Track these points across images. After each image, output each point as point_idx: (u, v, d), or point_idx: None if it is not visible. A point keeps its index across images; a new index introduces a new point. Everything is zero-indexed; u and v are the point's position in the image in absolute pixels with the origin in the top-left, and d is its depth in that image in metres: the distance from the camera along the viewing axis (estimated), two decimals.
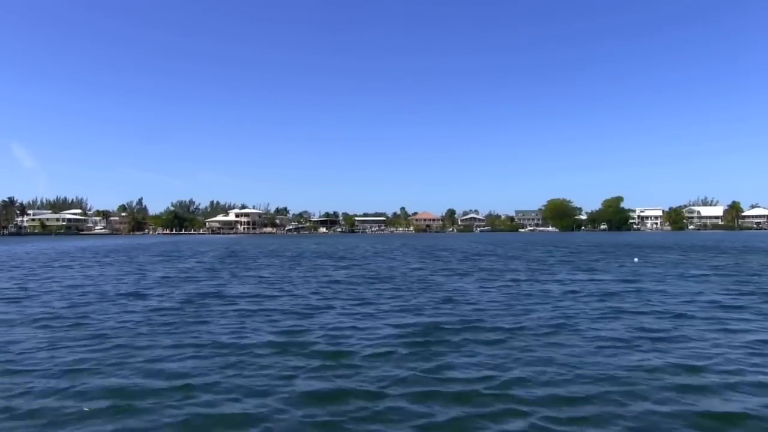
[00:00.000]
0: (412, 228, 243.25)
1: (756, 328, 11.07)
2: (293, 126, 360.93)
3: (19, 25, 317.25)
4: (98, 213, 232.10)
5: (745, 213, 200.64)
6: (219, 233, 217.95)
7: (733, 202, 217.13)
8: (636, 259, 32.29)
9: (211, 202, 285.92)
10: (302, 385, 7.47)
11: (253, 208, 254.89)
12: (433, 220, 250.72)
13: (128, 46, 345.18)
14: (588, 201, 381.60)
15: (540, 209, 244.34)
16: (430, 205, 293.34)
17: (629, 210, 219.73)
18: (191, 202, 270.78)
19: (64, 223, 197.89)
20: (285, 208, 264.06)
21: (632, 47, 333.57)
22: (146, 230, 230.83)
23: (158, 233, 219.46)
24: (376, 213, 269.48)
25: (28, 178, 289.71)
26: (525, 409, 6.45)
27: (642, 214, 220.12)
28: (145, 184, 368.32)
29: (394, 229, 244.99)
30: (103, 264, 32.91)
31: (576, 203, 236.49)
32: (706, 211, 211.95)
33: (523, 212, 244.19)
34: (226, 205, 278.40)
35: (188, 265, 31.13)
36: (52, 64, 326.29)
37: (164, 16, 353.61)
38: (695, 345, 9.63)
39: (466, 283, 20.69)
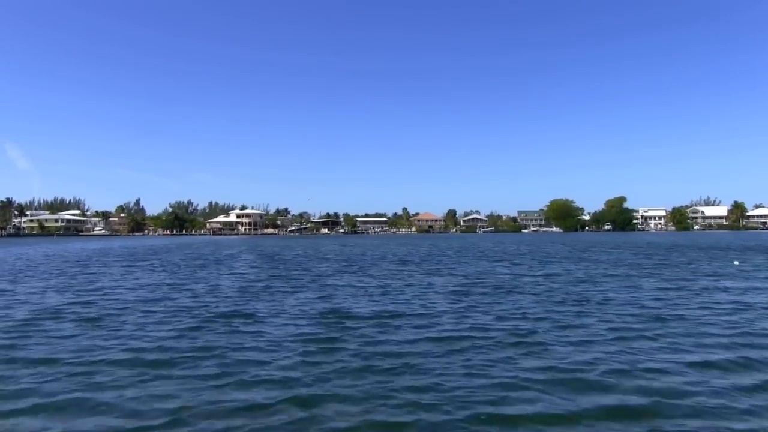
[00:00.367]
0: (414, 229, 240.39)
1: None
2: (289, 127, 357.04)
3: (12, 23, 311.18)
4: (97, 214, 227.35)
5: (750, 213, 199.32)
6: (220, 234, 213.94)
7: (735, 202, 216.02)
8: (736, 262, 29.44)
9: (210, 203, 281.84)
10: None
11: (252, 208, 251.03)
12: (435, 220, 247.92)
13: (122, 46, 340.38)
14: (588, 201, 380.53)
15: (542, 210, 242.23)
16: (428, 206, 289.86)
17: (632, 210, 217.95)
18: (189, 202, 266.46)
19: (63, 224, 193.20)
20: (286, 209, 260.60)
21: (631, 48, 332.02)
22: (146, 231, 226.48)
23: (158, 234, 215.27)
24: (375, 214, 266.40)
25: (22, 179, 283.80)
26: None
27: (645, 214, 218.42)
28: (139, 185, 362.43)
29: (396, 230, 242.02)
30: (168, 271, 29.60)
31: (577, 203, 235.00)
32: (709, 211, 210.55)
33: (526, 213, 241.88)
34: (225, 206, 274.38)
35: (261, 273, 27.89)
36: (46, 63, 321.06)
37: (159, 15, 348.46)
38: None
39: (642, 293, 17.62)
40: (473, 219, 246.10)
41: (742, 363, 8.55)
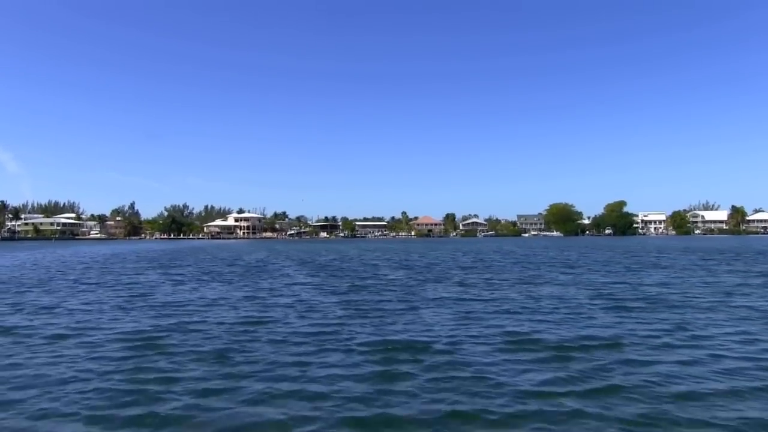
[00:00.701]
0: (413, 233, 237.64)
1: None
2: (283, 130, 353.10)
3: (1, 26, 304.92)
4: (93, 217, 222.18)
5: (750, 217, 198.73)
6: (219, 238, 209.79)
7: (733, 207, 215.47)
8: None
9: (206, 207, 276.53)
10: None
11: (249, 212, 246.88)
12: (435, 224, 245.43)
13: (112, 48, 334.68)
14: (586, 205, 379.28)
15: (541, 213, 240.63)
16: (425, 210, 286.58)
17: (632, 215, 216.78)
18: (185, 206, 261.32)
19: (58, 228, 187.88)
20: (284, 213, 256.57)
21: (630, 51, 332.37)
22: (142, 235, 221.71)
23: (155, 238, 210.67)
24: (373, 217, 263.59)
25: (12, 182, 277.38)
26: None
27: (645, 218, 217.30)
28: (131, 188, 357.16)
29: (395, 234, 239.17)
30: (206, 280, 26.45)
31: (575, 207, 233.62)
32: (709, 215, 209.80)
33: (525, 216, 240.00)
34: (221, 210, 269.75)
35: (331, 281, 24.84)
36: (35, 66, 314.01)
37: (153, 18, 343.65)
38: None
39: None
40: (473, 223, 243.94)
41: None
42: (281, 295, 18.20)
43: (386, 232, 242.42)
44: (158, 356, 9.54)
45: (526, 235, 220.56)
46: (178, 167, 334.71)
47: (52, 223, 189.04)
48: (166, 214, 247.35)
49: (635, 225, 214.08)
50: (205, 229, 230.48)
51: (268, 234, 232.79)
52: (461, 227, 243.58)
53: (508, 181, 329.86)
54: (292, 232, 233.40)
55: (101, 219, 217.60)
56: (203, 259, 44.44)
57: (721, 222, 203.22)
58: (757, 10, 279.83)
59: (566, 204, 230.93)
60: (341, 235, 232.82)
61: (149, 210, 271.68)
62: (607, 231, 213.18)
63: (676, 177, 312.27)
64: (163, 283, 23.06)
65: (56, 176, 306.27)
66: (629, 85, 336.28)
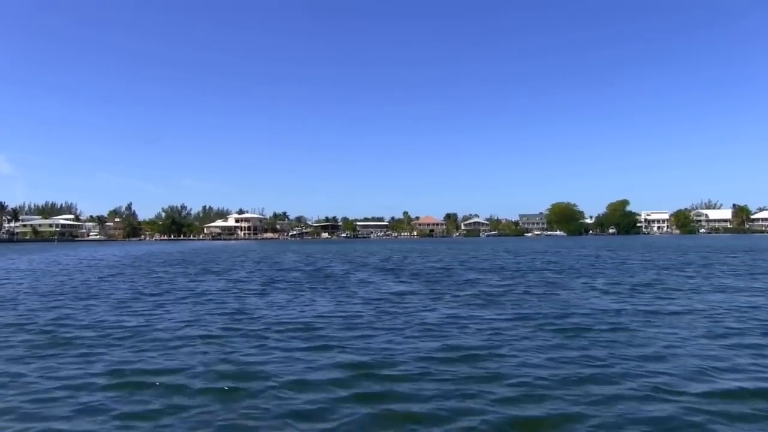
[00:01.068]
0: (415, 233, 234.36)
1: None
2: (279, 131, 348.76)
3: None
4: (92, 219, 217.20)
5: (754, 216, 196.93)
6: (220, 239, 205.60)
7: (734, 205, 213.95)
8: None
9: (203, 207, 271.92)
10: None
11: (248, 213, 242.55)
12: (437, 224, 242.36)
13: (105, 53, 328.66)
14: (587, 204, 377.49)
15: (542, 213, 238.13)
16: (424, 210, 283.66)
17: (635, 214, 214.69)
18: (183, 207, 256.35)
19: (57, 229, 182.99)
20: (284, 213, 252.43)
21: (629, 54, 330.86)
22: (142, 236, 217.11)
23: (156, 239, 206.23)
24: (373, 218, 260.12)
25: (6, 184, 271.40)
26: None
27: (648, 217, 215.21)
28: (125, 190, 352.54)
29: (397, 234, 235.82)
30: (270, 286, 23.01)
31: (577, 207, 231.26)
32: (713, 214, 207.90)
33: (527, 216, 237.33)
34: (219, 211, 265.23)
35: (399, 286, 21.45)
36: (27, 69, 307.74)
37: (147, 24, 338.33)
38: None
39: None
40: (475, 223, 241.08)
41: None
42: (426, 310, 14.75)
43: (388, 232, 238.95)
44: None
45: (529, 235, 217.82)
46: (173, 169, 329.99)
47: (50, 225, 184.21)
48: (163, 215, 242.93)
49: (638, 224, 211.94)
50: (205, 230, 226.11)
51: (269, 235, 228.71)
52: (463, 227, 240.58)
53: (507, 181, 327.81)
54: (294, 232, 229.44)
55: (100, 220, 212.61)
56: (240, 262, 40.86)
57: (725, 221, 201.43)
58: (758, 12, 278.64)
59: (568, 203, 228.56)
60: (343, 235, 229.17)
61: (144, 211, 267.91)
62: (611, 230, 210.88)
63: (676, 176, 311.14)
64: (240, 293, 19.56)
65: (50, 178, 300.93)
66: (629, 86, 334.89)
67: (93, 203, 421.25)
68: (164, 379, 7.95)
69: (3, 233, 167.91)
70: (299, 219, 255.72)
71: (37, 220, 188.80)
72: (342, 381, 7.81)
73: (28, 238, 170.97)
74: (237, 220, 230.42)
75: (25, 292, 20.01)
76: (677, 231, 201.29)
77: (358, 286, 21.41)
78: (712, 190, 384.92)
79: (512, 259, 40.56)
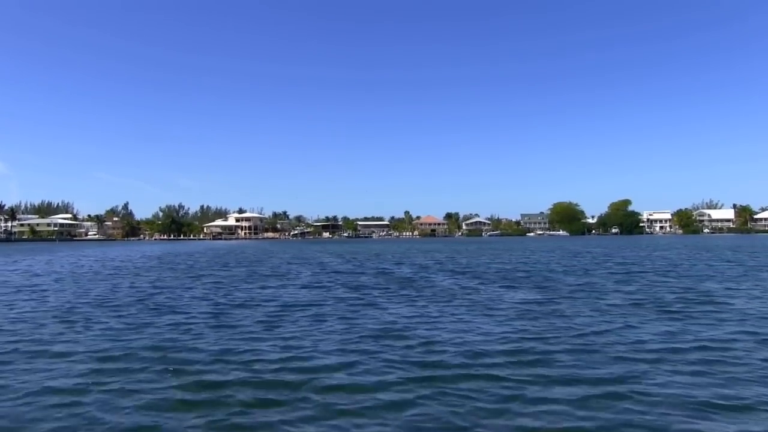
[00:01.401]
0: (416, 232, 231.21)
1: None
2: (275, 131, 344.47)
3: None
4: (90, 218, 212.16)
5: (757, 216, 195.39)
6: (220, 238, 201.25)
7: (734, 205, 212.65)
8: None
9: (201, 207, 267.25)
10: None
11: (249, 212, 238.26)
12: (438, 224, 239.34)
13: (101, 54, 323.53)
14: (587, 204, 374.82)
15: (542, 213, 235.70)
16: (423, 209, 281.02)
17: (637, 213, 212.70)
18: (180, 206, 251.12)
19: (55, 228, 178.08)
20: (284, 212, 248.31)
21: (629, 56, 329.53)
22: (141, 236, 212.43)
23: (155, 239, 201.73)
24: (373, 217, 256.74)
25: (0, 183, 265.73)
26: None
27: (650, 217, 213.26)
28: (120, 189, 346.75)
29: (399, 233, 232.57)
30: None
31: (579, 206, 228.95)
32: (716, 214, 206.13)
33: (529, 216, 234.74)
34: (218, 210, 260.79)
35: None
36: (19, 70, 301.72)
37: (143, 27, 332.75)
38: None
39: None
40: (477, 222, 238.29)
41: None
42: (634, 327, 11.59)
43: (390, 232, 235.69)
44: None
45: (531, 234, 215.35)
46: (168, 169, 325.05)
47: (48, 224, 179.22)
48: (161, 214, 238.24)
49: (641, 224, 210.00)
50: (205, 229, 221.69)
51: (270, 234, 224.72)
52: (464, 227, 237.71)
53: (507, 181, 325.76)
54: (296, 232, 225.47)
55: (99, 219, 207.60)
56: (283, 264, 37.48)
57: (728, 221, 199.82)
58: (761, 13, 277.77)
59: (570, 203, 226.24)
60: (345, 235, 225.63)
61: (141, 211, 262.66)
62: (613, 230, 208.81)
63: (675, 176, 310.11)
64: (349, 304, 16.30)
65: (43, 177, 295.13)
66: (630, 87, 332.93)
67: (88, 203, 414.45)
68: None
69: (1, 233, 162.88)
70: (299, 218, 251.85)
71: (35, 220, 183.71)
72: None
73: (25, 237, 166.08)
74: (237, 220, 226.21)
75: (98, 304, 16.64)
76: (680, 231, 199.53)
77: (470, 293, 18.15)
78: (711, 190, 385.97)
79: (580, 259, 37.35)
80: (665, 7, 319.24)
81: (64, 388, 7.51)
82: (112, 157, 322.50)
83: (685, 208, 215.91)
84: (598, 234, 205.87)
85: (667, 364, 8.50)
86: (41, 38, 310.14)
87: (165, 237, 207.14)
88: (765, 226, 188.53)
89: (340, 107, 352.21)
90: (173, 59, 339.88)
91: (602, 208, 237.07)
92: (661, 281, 21.46)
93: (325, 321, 12.85)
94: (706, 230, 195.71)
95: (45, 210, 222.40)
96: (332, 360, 8.98)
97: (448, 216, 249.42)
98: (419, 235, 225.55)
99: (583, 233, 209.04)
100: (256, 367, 8.57)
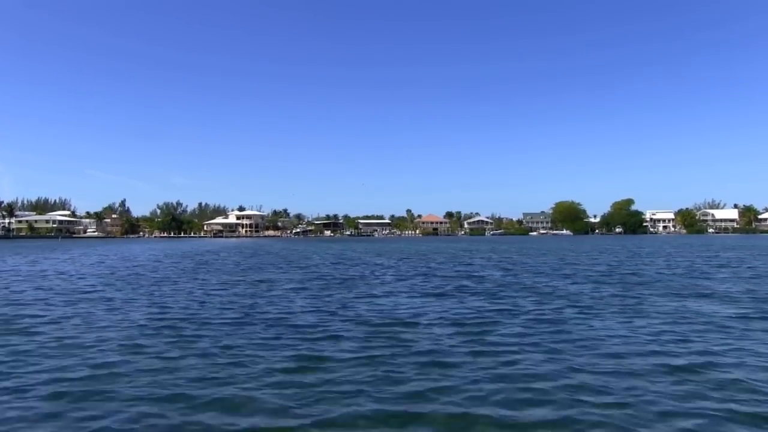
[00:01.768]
0: (418, 231, 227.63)
1: None
2: (276, 130, 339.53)
3: None
4: (88, 215, 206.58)
5: (762, 216, 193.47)
6: (221, 236, 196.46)
7: (735, 205, 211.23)
8: None
9: (199, 204, 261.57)
10: None
11: (249, 209, 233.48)
12: (440, 222, 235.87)
13: (95, 52, 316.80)
14: (587, 203, 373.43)
15: (544, 212, 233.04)
16: (423, 208, 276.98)
17: (640, 213, 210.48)
18: (178, 203, 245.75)
19: (54, 226, 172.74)
20: (285, 210, 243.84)
21: (630, 56, 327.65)
22: (141, 233, 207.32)
23: (155, 236, 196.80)
24: (373, 215, 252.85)
25: None
26: None
27: (653, 216, 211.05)
28: (115, 187, 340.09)
29: (400, 232, 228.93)
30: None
31: (581, 206, 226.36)
32: (719, 214, 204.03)
33: (531, 215, 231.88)
34: (216, 207, 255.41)
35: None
36: (14, 66, 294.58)
37: (141, 24, 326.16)
38: None
39: None
40: (479, 221, 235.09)
41: None
42: None
43: (393, 230, 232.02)
44: None
45: (534, 233, 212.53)
46: (163, 166, 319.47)
47: (47, 221, 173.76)
48: (158, 211, 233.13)
49: (645, 224, 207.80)
50: (205, 227, 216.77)
51: (271, 232, 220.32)
52: (466, 226, 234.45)
53: (507, 180, 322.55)
54: (298, 230, 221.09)
55: (98, 216, 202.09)
56: (328, 264, 33.70)
57: (731, 221, 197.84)
58: (760, 14, 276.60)
59: (572, 202, 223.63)
60: (347, 233, 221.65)
61: (137, 208, 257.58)
62: (617, 230, 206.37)
63: (677, 176, 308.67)
64: (500, 317, 12.64)
65: (37, 174, 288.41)
66: (631, 86, 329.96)
67: (82, 200, 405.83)
68: None
69: None
70: (298, 216, 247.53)
71: (33, 216, 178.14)
72: None
73: (24, 234, 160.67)
74: (238, 217, 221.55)
75: (202, 321, 12.88)
76: (684, 231, 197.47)
77: (633, 302, 14.55)
78: (711, 189, 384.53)
79: (621, 259, 33.89)
80: (670, 6, 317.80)
81: None
82: (105, 154, 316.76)
83: (686, 208, 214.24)
84: (601, 234, 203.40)
85: None
86: (28, 34, 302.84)
87: (165, 235, 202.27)
88: None
89: (340, 106, 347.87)
90: (169, 57, 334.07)
91: (603, 208, 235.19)
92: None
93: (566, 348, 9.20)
94: (710, 230, 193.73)
95: (42, 206, 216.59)
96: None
97: (449, 215, 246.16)
98: (421, 233, 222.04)
99: (586, 232, 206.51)
100: None
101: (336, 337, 10.43)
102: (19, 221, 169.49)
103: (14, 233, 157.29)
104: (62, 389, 7.13)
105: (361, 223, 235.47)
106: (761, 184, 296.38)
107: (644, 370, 7.91)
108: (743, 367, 8.09)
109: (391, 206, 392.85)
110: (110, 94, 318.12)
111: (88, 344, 9.86)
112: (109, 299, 16.28)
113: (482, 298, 16.34)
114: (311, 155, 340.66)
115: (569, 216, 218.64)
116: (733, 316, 12.66)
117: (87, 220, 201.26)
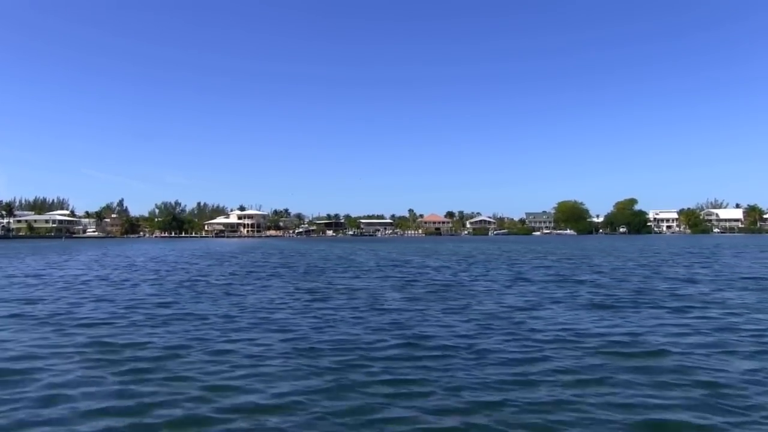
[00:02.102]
0: (420, 231, 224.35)
1: None
2: (275, 129, 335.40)
3: None
4: (88, 214, 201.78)
5: (767, 215, 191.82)
6: (222, 236, 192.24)
7: (737, 205, 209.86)
8: None
9: (198, 204, 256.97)
10: None
11: (250, 209, 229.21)
12: (443, 222, 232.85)
13: (91, 51, 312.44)
14: (589, 203, 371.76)
15: (546, 212, 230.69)
16: (422, 208, 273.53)
17: (644, 212, 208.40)
18: (177, 203, 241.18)
19: (53, 225, 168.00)
20: (286, 210, 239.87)
21: (630, 55, 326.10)
22: (141, 233, 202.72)
23: (156, 236, 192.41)
24: (374, 215, 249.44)
25: None
26: None
27: (657, 216, 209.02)
28: (112, 186, 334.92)
29: (403, 232, 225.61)
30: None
31: (584, 205, 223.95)
32: (724, 213, 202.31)
33: (534, 215, 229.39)
34: (215, 207, 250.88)
35: None
36: (11, 66, 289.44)
37: (140, 24, 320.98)
38: None
39: None
40: (482, 221, 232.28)
41: None
42: None
43: (396, 230, 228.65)
44: None
45: (537, 233, 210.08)
46: (159, 166, 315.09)
47: (47, 221, 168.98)
48: (157, 211, 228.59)
49: (648, 224, 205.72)
50: (206, 226, 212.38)
51: (272, 232, 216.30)
52: (469, 225, 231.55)
53: (508, 180, 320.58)
54: (300, 230, 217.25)
55: (98, 216, 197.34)
56: (382, 267, 30.23)
57: (736, 220, 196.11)
58: (761, 13, 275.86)
59: (575, 201, 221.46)
60: (349, 233, 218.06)
61: (134, 208, 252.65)
62: (621, 230, 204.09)
63: (679, 175, 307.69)
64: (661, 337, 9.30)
65: (32, 174, 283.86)
66: (633, 85, 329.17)
67: (79, 200, 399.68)
68: None
69: None
70: (299, 216, 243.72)
71: (32, 216, 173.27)
72: None
73: (23, 234, 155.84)
74: (240, 217, 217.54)
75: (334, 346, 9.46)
76: (688, 231, 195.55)
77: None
78: (713, 189, 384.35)
79: (679, 260, 30.73)
80: (673, 4, 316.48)
81: None
82: (102, 153, 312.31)
83: (689, 208, 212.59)
84: (605, 233, 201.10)
85: None
86: (25, 33, 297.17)
87: (166, 234, 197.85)
88: None
89: (340, 105, 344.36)
90: (168, 56, 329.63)
91: (605, 207, 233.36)
92: None
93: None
94: (715, 230, 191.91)
95: (39, 206, 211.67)
96: None
97: (450, 214, 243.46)
98: (424, 233, 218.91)
99: (590, 232, 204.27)
100: None
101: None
102: (18, 221, 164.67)
103: (14, 233, 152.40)
104: None
105: (362, 223, 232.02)
106: (763, 183, 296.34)
107: None
108: None
109: (391, 206, 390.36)
110: (108, 94, 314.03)
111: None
112: (203, 317, 12.73)
113: (667, 311, 12.97)
114: (311, 155, 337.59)
115: (572, 216, 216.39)
116: None
117: (86, 220, 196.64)
